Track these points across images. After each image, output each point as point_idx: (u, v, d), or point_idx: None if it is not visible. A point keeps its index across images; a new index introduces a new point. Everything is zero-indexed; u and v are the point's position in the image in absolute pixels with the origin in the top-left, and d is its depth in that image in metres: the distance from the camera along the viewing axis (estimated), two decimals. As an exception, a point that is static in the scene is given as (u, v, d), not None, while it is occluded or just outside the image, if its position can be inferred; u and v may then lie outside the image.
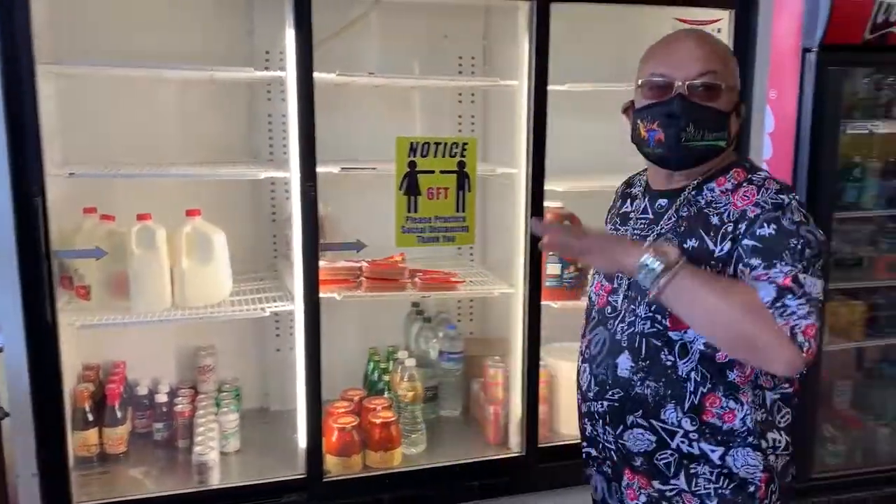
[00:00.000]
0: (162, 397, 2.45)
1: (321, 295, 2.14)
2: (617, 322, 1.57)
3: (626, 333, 1.54)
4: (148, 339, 2.54)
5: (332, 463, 2.22)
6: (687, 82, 1.47)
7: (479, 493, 2.31)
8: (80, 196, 2.24)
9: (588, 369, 1.62)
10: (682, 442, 1.50)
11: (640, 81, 1.55)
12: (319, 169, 2.08)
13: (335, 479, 2.18)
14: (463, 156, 2.16)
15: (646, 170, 1.70)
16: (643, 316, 1.52)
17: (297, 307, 2.16)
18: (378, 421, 2.26)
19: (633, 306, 1.54)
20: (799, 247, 1.37)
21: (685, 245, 1.48)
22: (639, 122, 1.54)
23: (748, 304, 1.34)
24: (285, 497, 2.14)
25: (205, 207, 2.27)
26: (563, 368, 2.53)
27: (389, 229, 2.18)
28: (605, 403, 1.58)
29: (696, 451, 1.49)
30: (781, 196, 1.44)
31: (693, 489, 1.50)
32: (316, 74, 2.04)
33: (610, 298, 1.61)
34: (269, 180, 2.52)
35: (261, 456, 2.37)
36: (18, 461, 1.94)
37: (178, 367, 2.62)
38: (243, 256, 2.55)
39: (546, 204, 2.32)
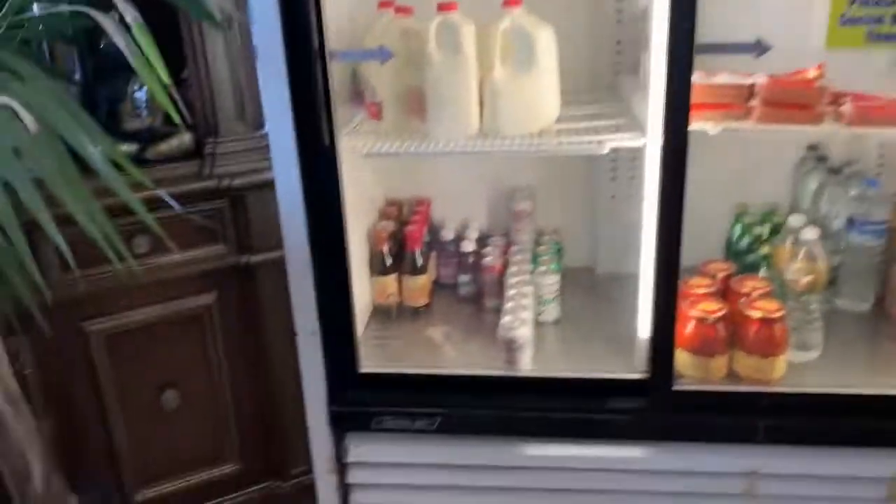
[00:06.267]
0: (469, 245, 1.99)
1: (690, 127, 1.42)
2: None
3: None
4: (456, 173, 2.08)
5: (684, 363, 1.59)
6: None
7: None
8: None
9: None
10: None
11: None
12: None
13: (688, 388, 1.56)
14: None
15: None
16: None
17: (651, 143, 1.49)
18: (756, 315, 1.56)
19: None
20: None
21: None
22: None
23: None
24: (615, 400, 1.59)
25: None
26: None
27: (811, 22, 1.34)
28: None
29: None
30: None
31: None
32: None
33: None
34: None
35: (584, 337, 1.83)
36: (296, 316, 1.60)
37: (489, 210, 2.14)
38: (573, 70, 1.88)
39: None
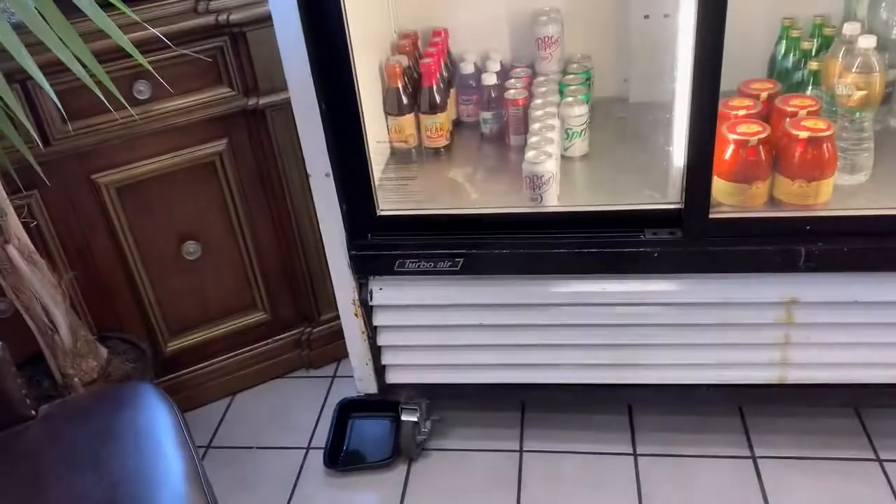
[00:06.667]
0: (490, 78, 1.86)
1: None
2: None
3: None
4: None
5: (722, 190, 1.49)
6: None
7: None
8: None
9: None
10: None
11: None
12: None
13: (725, 216, 1.47)
14: None
15: None
16: None
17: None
18: (802, 135, 1.44)
19: None
20: None
21: None
22: None
23: None
24: (648, 232, 1.51)
25: None
26: None
27: None
28: None
29: None
30: None
31: None
32: None
33: None
34: None
35: (615, 170, 1.73)
36: (307, 158, 1.52)
37: (511, 39, 1.98)
38: None
39: None
